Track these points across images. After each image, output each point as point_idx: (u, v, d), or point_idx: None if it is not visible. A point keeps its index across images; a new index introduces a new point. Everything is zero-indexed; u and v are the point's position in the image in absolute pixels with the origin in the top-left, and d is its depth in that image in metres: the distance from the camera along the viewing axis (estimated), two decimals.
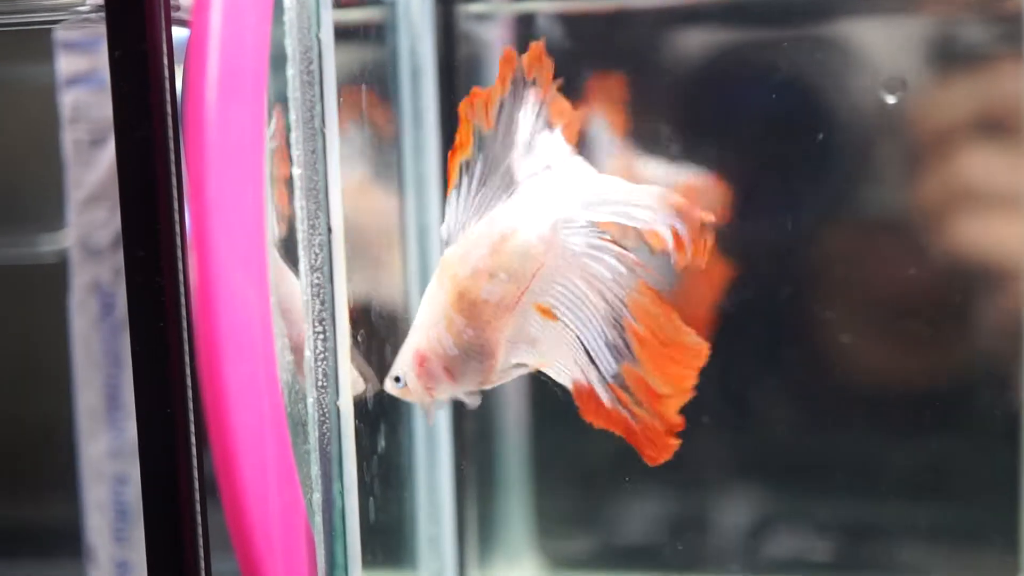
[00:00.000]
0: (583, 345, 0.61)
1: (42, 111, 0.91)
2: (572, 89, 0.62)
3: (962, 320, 0.84)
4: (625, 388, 0.60)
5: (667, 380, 0.60)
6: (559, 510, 0.92)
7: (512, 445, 0.91)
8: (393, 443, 0.72)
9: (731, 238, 0.85)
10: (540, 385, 0.93)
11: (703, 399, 0.90)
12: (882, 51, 0.83)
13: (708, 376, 0.85)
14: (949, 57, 0.82)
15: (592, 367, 0.61)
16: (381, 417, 0.69)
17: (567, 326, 0.61)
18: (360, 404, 0.63)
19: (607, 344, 0.60)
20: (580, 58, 0.85)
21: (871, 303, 0.86)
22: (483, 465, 0.89)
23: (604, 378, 0.61)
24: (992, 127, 0.83)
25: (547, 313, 0.62)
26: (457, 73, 0.81)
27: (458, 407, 0.82)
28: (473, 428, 0.86)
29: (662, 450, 0.60)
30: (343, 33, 0.66)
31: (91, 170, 0.86)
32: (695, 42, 0.86)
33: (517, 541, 0.92)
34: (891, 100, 0.80)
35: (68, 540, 0.89)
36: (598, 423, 0.61)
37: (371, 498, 0.63)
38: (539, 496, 0.92)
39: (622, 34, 0.86)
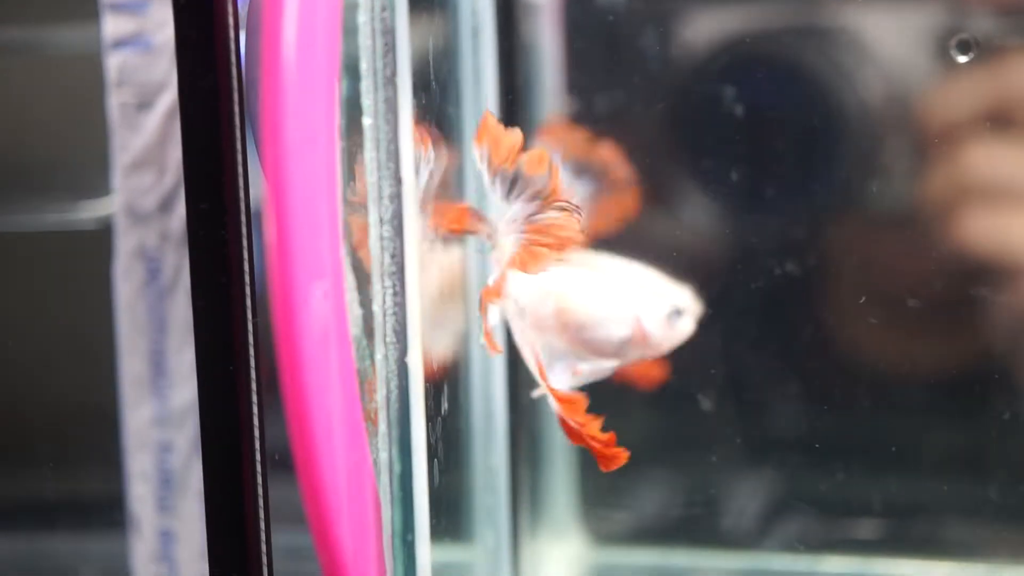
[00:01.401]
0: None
1: (81, 76, 0.90)
2: None
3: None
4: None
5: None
6: (604, 486, 0.91)
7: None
8: (455, 406, 0.70)
9: (745, 228, 0.85)
10: None
11: (736, 384, 0.92)
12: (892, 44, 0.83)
13: (739, 363, 0.86)
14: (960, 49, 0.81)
15: None
16: (445, 378, 0.67)
17: None
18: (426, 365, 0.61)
19: None
20: None
21: (887, 294, 0.86)
22: (533, 439, 0.88)
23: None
24: (1002, 121, 0.82)
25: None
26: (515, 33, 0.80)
27: (514, 377, 0.81)
28: (528, 399, 0.85)
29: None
30: None
31: (137, 134, 0.84)
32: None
33: (563, 516, 0.91)
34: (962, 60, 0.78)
35: (109, 511, 0.87)
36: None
37: (435, 460, 0.62)
38: (584, 471, 0.91)
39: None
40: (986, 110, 0.81)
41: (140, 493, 0.84)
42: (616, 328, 0.67)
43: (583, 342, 0.68)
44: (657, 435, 0.90)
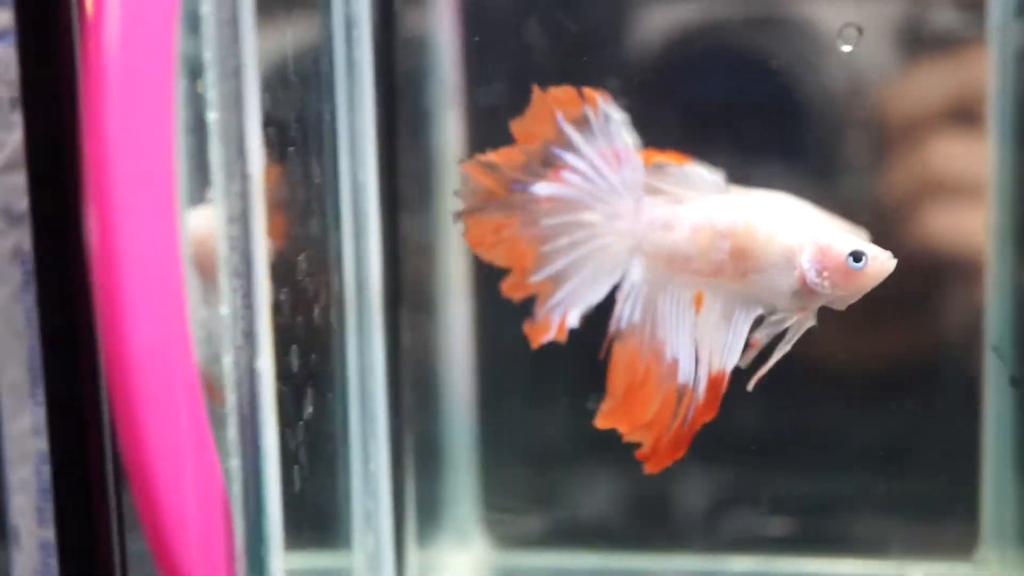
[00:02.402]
0: None
1: None
2: None
3: (925, 302, 0.83)
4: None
5: None
6: (508, 488, 0.90)
7: (458, 419, 0.88)
8: (322, 409, 0.68)
9: None
10: (487, 356, 0.92)
11: None
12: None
13: None
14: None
15: None
16: (308, 381, 0.65)
17: None
18: (284, 366, 0.59)
19: None
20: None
21: None
22: (426, 439, 0.86)
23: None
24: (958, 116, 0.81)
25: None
26: (394, 24, 0.77)
27: (395, 376, 0.79)
28: (413, 399, 0.83)
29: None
30: None
31: (11, 132, 0.82)
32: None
33: (464, 519, 0.89)
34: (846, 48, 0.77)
35: None
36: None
37: (296, 467, 0.60)
38: (487, 473, 0.89)
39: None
40: (943, 106, 0.80)
41: (19, 505, 0.82)
42: (794, 265, 0.65)
43: (763, 284, 0.66)
44: (567, 436, 0.88)
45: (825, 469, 0.85)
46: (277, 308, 0.59)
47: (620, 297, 0.67)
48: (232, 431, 0.56)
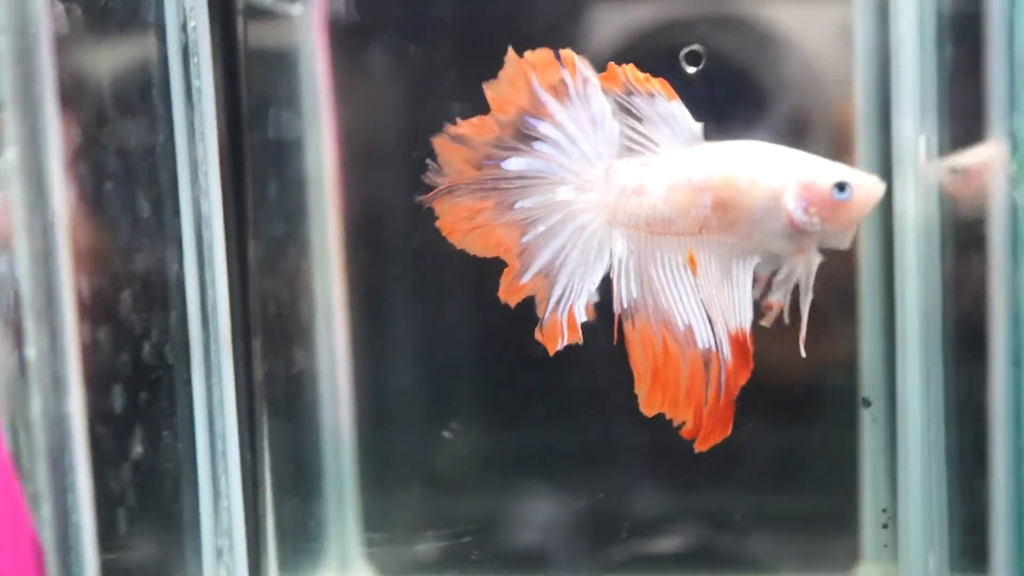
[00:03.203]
0: None
1: None
2: None
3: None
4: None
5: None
6: (391, 515, 0.88)
7: (334, 446, 0.86)
8: (156, 448, 0.66)
9: None
10: (365, 379, 0.91)
11: (546, 394, 0.89)
12: None
13: (547, 371, 0.84)
14: None
15: None
16: (136, 421, 0.63)
17: None
18: (104, 408, 0.58)
19: None
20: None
21: None
22: (300, 470, 0.85)
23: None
24: None
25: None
26: (237, 52, 0.76)
27: (250, 408, 0.77)
28: (281, 429, 0.81)
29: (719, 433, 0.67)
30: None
31: None
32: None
33: (345, 549, 0.87)
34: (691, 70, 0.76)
35: None
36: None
37: (121, 510, 0.58)
38: (367, 501, 0.87)
39: None
40: None
41: None
42: (780, 206, 0.64)
43: (755, 232, 0.65)
44: (453, 459, 0.87)
45: (712, 487, 0.85)
46: (94, 348, 0.57)
47: (612, 276, 0.66)
48: (42, 478, 0.54)
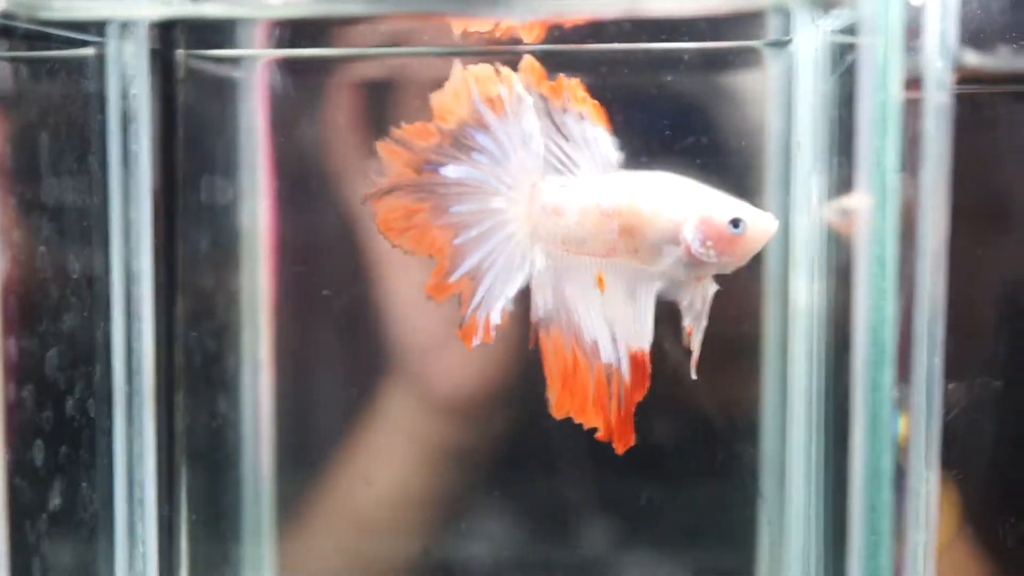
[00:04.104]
0: None
1: None
2: None
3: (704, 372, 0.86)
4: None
5: None
6: (311, 558, 0.90)
7: (254, 494, 0.88)
8: (73, 500, 0.69)
9: None
10: (289, 428, 0.93)
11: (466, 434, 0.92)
12: None
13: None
14: None
15: None
16: (56, 474, 0.66)
17: None
18: (24, 462, 0.60)
19: None
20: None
21: None
22: (220, 513, 0.87)
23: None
24: None
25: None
26: (176, 118, 0.79)
27: (168, 455, 0.79)
28: (200, 480, 0.84)
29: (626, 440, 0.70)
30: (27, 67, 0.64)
31: None
32: None
33: None
34: None
35: None
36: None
37: (36, 559, 0.61)
38: (286, 546, 0.89)
39: None
40: None
41: None
42: (679, 237, 0.68)
43: (656, 259, 0.68)
44: (373, 501, 0.89)
45: (602, 540, 0.88)
46: (19, 405, 0.60)
47: (532, 286, 0.70)
48: None
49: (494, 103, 0.67)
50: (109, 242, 0.73)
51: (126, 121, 0.75)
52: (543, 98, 0.69)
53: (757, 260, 0.76)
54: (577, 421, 0.71)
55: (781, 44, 0.79)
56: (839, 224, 0.72)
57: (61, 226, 0.69)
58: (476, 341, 0.70)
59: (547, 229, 0.69)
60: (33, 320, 0.66)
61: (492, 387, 0.87)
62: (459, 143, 0.68)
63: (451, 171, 0.68)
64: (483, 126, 0.68)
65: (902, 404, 0.55)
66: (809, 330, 0.76)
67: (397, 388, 0.88)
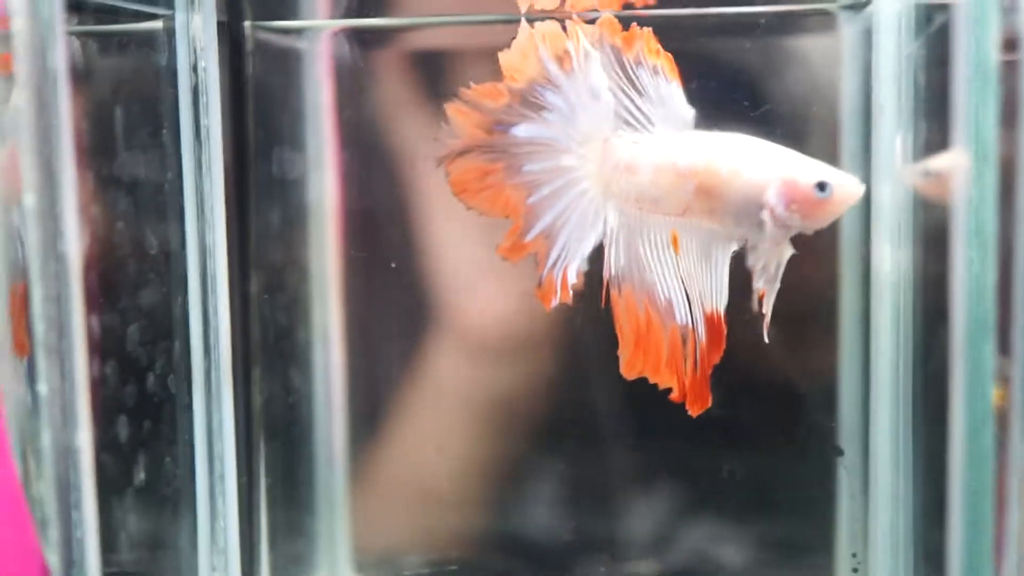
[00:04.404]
0: None
1: None
2: None
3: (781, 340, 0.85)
4: None
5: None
6: (384, 532, 0.91)
7: (329, 467, 0.89)
8: (157, 475, 0.69)
9: None
10: (360, 402, 0.93)
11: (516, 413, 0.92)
12: None
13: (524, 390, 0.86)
14: None
15: None
16: (140, 449, 0.66)
17: None
18: (110, 438, 0.60)
19: None
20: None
21: None
22: (296, 487, 0.87)
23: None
24: None
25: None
26: (246, 90, 0.79)
27: (247, 430, 0.80)
28: (275, 453, 0.84)
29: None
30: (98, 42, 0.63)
31: None
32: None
33: (334, 565, 0.90)
34: None
35: None
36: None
37: (122, 533, 0.61)
38: (361, 519, 0.90)
39: None
40: None
41: None
42: (760, 199, 0.67)
43: (733, 220, 0.67)
44: (446, 477, 0.90)
45: (685, 511, 0.87)
46: (102, 381, 0.60)
47: (605, 244, 0.69)
48: (50, 505, 0.57)
49: (562, 60, 0.67)
50: (184, 217, 0.73)
51: (196, 94, 0.74)
52: (616, 50, 0.68)
53: (834, 225, 0.75)
54: (651, 381, 0.70)
55: (858, 7, 0.77)
56: (926, 188, 0.71)
57: (137, 201, 0.69)
58: (554, 301, 0.70)
59: (620, 186, 0.68)
60: (114, 296, 0.66)
61: (541, 336, 0.86)
62: (528, 102, 0.68)
63: (522, 130, 0.68)
64: (552, 84, 0.67)
65: (1002, 377, 0.54)
66: (895, 298, 0.75)
67: (445, 344, 0.88)
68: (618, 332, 0.70)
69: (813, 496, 0.83)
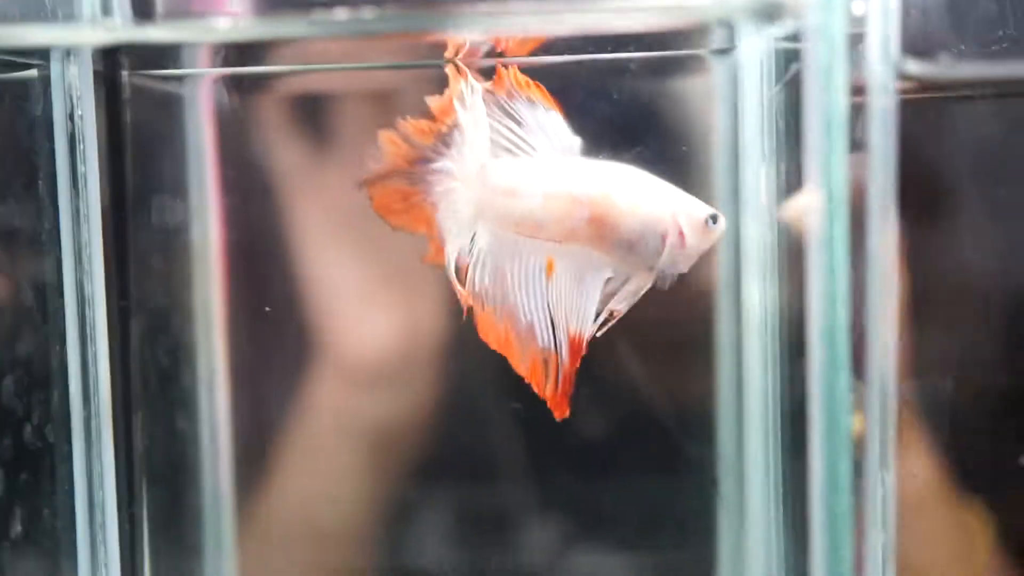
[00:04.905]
0: None
1: None
2: None
3: (658, 372, 0.87)
4: None
5: None
6: (267, 571, 0.90)
7: (213, 506, 0.88)
8: (36, 526, 0.69)
9: None
10: (247, 441, 0.93)
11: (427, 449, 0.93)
12: None
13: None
14: None
15: None
16: (16, 501, 0.65)
17: None
18: None
19: None
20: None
21: None
22: (181, 529, 0.86)
23: None
24: None
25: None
26: (124, 137, 0.78)
27: (128, 475, 0.79)
28: (161, 496, 0.83)
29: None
30: None
31: None
32: None
33: None
34: None
35: None
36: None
37: None
38: (243, 557, 0.89)
39: None
40: None
41: None
42: (660, 229, 0.70)
43: (623, 249, 0.70)
44: (339, 512, 0.90)
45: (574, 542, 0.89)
46: None
47: (469, 263, 0.71)
48: None
49: (461, 98, 0.70)
50: (61, 266, 0.73)
51: (73, 143, 0.74)
52: (489, 92, 0.71)
53: (709, 261, 0.78)
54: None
55: (726, 51, 0.80)
56: (788, 225, 0.74)
57: (12, 253, 0.68)
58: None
59: (497, 210, 0.70)
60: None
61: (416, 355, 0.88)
62: (446, 140, 0.71)
63: (437, 164, 0.71)
64: (456, 123, 0.70)
65: (857, 404, 0.56)
66: (763, 333, 0.78)
67: (329, 378, 0.89)
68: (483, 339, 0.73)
69: (693, 526, 0.85)
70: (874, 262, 0.57)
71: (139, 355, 0.80)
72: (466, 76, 0.70)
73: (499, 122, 0.71)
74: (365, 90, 0.85)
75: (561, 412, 0.72)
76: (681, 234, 0.70)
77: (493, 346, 0.71)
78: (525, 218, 0.70)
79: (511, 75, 0.71)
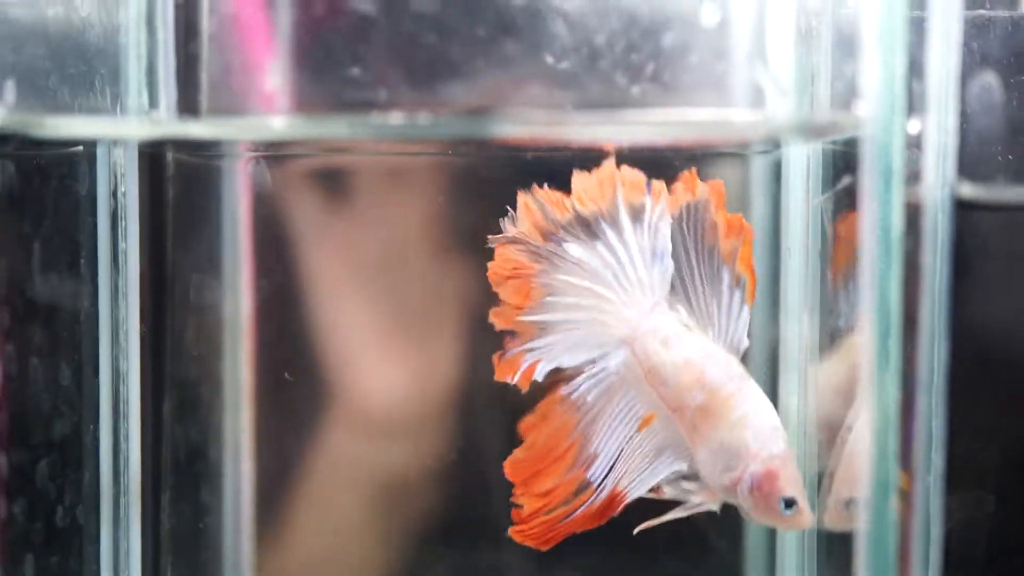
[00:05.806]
0: None
1: None
2: None
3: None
4: None
5: None
6: None
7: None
8: None
9: None
10: (268, 520, 0.93)
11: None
12: None
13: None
14: None
15: None
16: None
17: None
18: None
19: None
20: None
21: None
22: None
23: None
24: None
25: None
26: (165, 216, 0.79)
27: (155, 557, 0.78)
28: (185, 573, 0.83)
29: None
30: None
31: None
32: None
33: None
34: None
35: None
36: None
37: None
38: None
39: None
40: None
41: None
42: (745, 474, 0.66)
43: (702, 452, 0.67)
44: None
45: None
46: (10, 521, 0.59)
47: (586, 371, 0.69)
48: None
49: (635, 210, 0.67)
50: (98, 344, 0.73)
51: (115, 220, 0.74)
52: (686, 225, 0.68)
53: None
54: (517, 491, 0.70)
55: (769, 152, 0.80)
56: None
57: (53, 333, 0.68)
58: (508, 378, 0.70)
59: (644, 349, 0.68)
60: (25, 433, 0.65)
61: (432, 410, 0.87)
62: (589, 229, 0.68)
63: (574, 249, 0.68)
64: (617, 226, 0.68)
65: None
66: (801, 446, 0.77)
67: (341, 426, 0.88)
68: (530, 433, 0.70)
69: None
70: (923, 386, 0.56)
71: (170, 431, 0.80)
72: (658, 197, 0.67)
73: (682, 262, 0.69)
74: (391, 167, 0.85)
75: (536, 542, 0.70)
76: (753, 490, 0.66)
77: (536, 447, 0.70)
78: (658, 369, 0.68)
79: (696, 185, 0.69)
